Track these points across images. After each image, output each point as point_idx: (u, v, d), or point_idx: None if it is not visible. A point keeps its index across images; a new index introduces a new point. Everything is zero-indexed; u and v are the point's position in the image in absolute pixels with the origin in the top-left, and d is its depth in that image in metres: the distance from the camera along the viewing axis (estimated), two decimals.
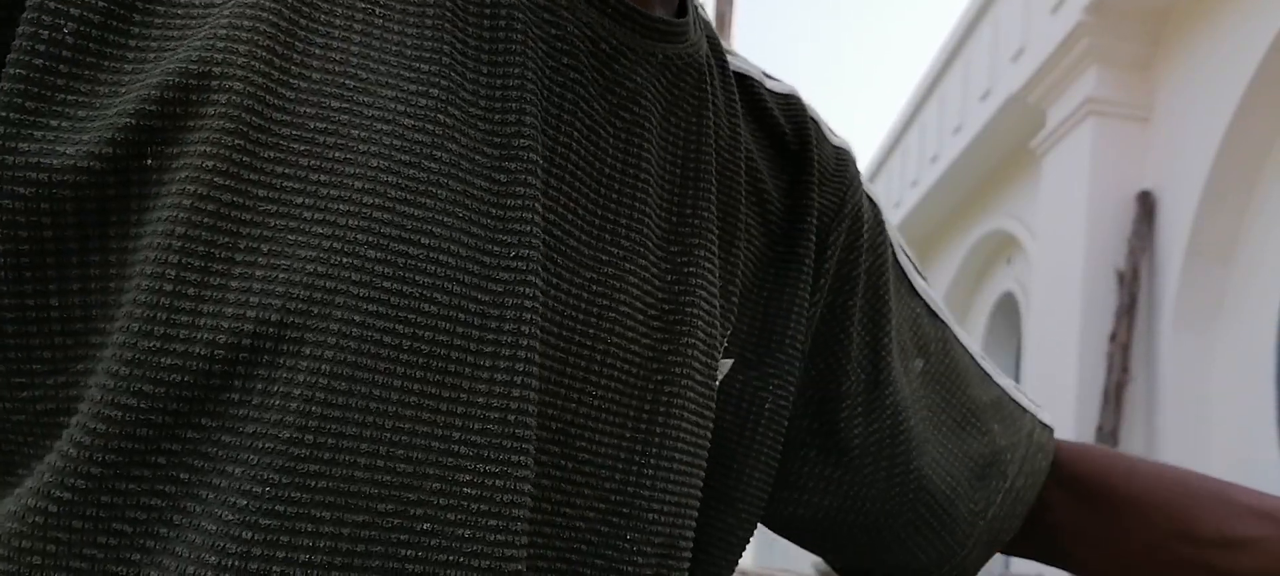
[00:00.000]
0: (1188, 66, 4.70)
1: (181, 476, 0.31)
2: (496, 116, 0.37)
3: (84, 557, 0.31)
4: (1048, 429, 0.57)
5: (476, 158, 0.36)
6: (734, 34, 5.78)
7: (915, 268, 0.57)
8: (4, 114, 0.31)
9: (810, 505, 0.51)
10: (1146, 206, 4.89)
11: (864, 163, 10.48)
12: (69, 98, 0.32)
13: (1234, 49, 4.26)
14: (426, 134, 0.35)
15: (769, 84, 0.51)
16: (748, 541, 0.48)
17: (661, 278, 0.41)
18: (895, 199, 9.30)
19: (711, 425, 0.43)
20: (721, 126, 0.46)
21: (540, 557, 0.38)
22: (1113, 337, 4.82)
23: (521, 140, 0.37)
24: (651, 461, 0.40)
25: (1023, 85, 5.91)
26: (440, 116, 0.35)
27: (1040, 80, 5.68)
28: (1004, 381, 0.58)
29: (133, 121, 0.32)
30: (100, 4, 0.32)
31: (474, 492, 0.34)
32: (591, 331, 0.39)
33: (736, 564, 0.48)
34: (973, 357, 0.57)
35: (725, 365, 0.45)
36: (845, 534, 0.52)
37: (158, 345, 0.31)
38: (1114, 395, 4.74)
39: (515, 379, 0.35)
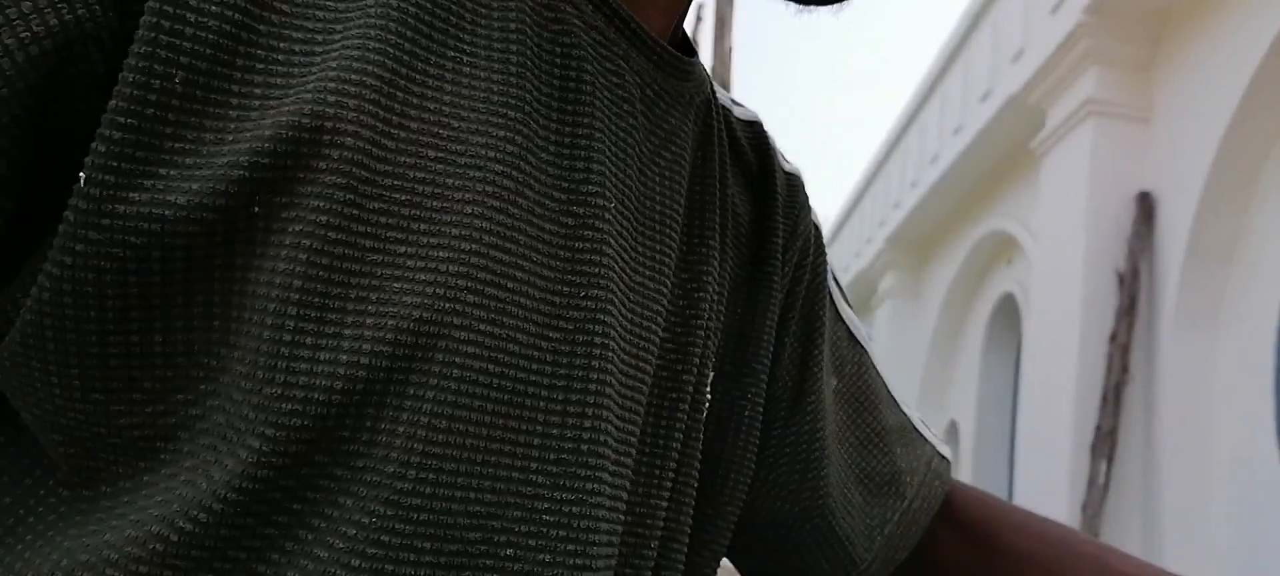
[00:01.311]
0: (1188, 67, 4.71)
1: (294, 507, 0.33)
2: (566, 161, 0.39)
3: None
4: (945, 460, 0.61)
5: (548, 202, 0.38)
6: (734, 34, 5.80)
7: (842, 294, 0.61)
8: (115, 164, 0.31)
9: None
10: (1146, 207, 4.90)
11: (865, 162, 10.46)
12: (176, 145, 0.32)
13: (1234, 50, 4.26)
14: (511, 180, 0.37)
15: (736, 111, 0.54)
16: (726, 547, 0.51)
17: (675, 303, 0.44)
18: (895, 199, 9.31)
19: (702, 435, 0.46)
20: (721, 157, 0.49)
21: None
22: (1112, 338, 4.82)
23: (589, 186, 0.39)
24: (669, 474, 0.43)
25: (1023, 86, 5.91)
26: (522, 163, 0.37)
27: (1040, 81, 5.69)
28: (911, 411, 0.61)
29: (244, 173, 0.32)
30: (207, 51, 0.33)
31: (552, 520, 0.36)
32: (641, 358, 0.41)
33: (716, 569, 0.50)
34: (885, 384, 0.60)
35: (707, 377, 0.48)
36: (755, 535, 0.55)
37: (279, 392, 0.32)
38: (1113, 396, 4.75)
39: (587, 410, 0.37)
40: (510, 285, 0.36)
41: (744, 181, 0.52)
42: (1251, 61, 4.11)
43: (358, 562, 0.33)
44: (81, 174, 0.31)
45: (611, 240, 0.39)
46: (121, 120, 0.31)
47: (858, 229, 11.07)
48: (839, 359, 0.58)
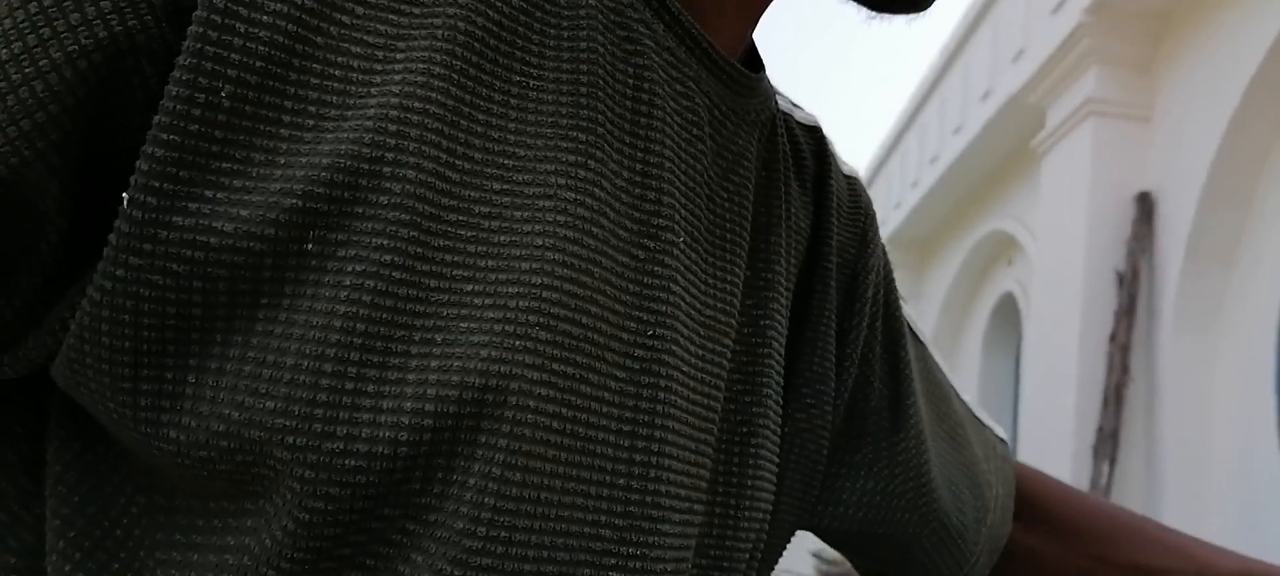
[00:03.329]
0: (1188, 67, 4.70)
1: (368, 562, 0.31)
2: (638, 190, 0.37)
3: None
4: (1004, 442, 0.62)
5: (620, 232, 0.36)
6: None
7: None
8: (158, 184, 0.29)
9: (847, 518, 0.53)
10: (1146, 207, 4.89)
11: (865, 162, 10.43)
12: (223, 165, 0.30)
13: (1234, 50, 4.26)
14: (586, 208, 0.34)
15: (798, 116, 0.52)
16: (780, 554, 0.51)
17: (741, 329, 0.43)
18: (895, 199, 9.30)
19: (770, 498, 0.44)
20: (785, 170, 0.48)
21: None
22: (1113, 338, 4.81)
23: (660, 218, 0.37)
24: (744, 513, 0.42)
25: (1023, 85, 5.90)
26: (596, 189, 0.35)
27: (1040, 80, 5.68)
28: (968, 397, 0.62)
29: (299, 203, 0.30)
30: (257, 64, 0.30)
31: (619, 575, 0.35)
32: (711, 396, 0.39)
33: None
34: (946, 376, 0.60)
35: None
36: (878, 543, 0.54)
37: (341, 447, 0.30)
38: (1114, 396, 4.74)
39: (652, 459, 0.35)
40: (584, 320, 0.33)
41: (803, 189, 0.51)
42: (1252, 61, 4.11)
43: None
44: (124, 194, 0.30)
45: (679, 276, 0.37)
46: (164, 137, 0.29)
47: None
48: (915, 359, 0.57)
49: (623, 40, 0.38)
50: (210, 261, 0.30)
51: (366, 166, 0.31)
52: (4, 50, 0.29)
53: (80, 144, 0.30)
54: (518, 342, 0.32)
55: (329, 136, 0.31)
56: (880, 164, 10.19)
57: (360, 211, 0.31)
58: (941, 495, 0.53)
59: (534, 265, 0.33)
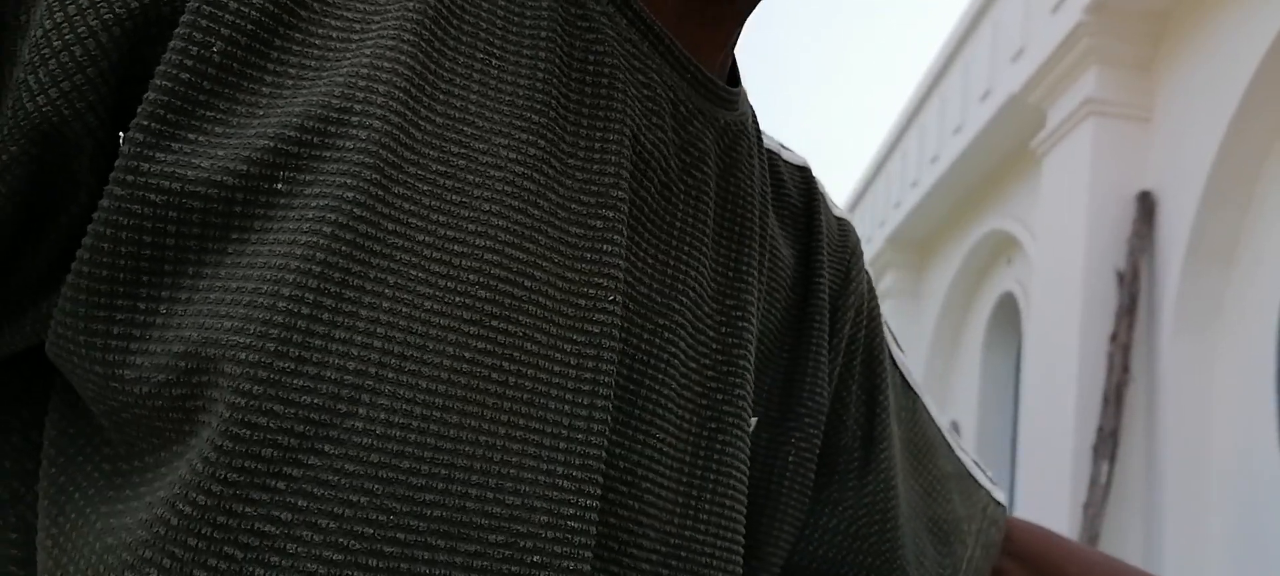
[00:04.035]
0: (1189, 66, 4.70)
1: (299, 503, 0.32)
2: (595, 167, 0.39)
3: None
4: (1001, 506, 0.61)
5: (573, 206, 0.38)
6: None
7: (893, 338, 0.61)
8: (146, 122, 0.32)
9: (810, 555, 0.53)
10: (1147, 206, 4.89)
11: (864, 163, 10.45)
12: (208, 114, 0.33)
13: (1235, 49, 4.26)
14: (533, 183, 0.37)
15: (785, 155, 0.55)
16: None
17: (716, 329, 0.44)
18: (896, 199, 9.30)
19: (747, 480, 0.45)
20: (762, 193, 0.49)
21: None
22: (1113, 338, 4.81)
23: (617, 193, 0.39)
24: (706, 507, 0.42)
25: (1023, 85, 5.90)
26: (546, 166, 0.37)
27: (1040, 80, 5.68)
28: (964, 456, 0.62)
29: (271, 144, 0.33)
30: (248, 27, 0.34)
31: (577, 526, 0.36)
32: (658, 377, 0.41)
33: None
34: (939, 430, 0.60)
35: (752, 422, 0.48)
36: None
37: (292, 366, 0.31)
38: (1114, 396, 4.74)
39: (597, 416, 0.37)
40: (528, 283, 0.36)
41: (790, 225, 0.52)
42: (1252, 61, 4.11)
43: (375, 563, 0.32)
44: (121, 133, 0.33)
45: (624, 249, 0.39)
46: (160, 82, 0.32)
47: (858, 229, 11.02)
48: (898, 407, 0.58)
49: (584, 30, 0.40)
50: (185, 193, 0.32)
51: (335, 116, 0.34)
52: (47, 21, 0.32)
53: (113, 106, 0.33)
54: (458, 298, 0.34)
55: (304, 92, 0.34)
56: (881, 164, 10.18)
57: (328, 155, 0.33)
58: (905, 544, 0.54)
59: (479, 228, 0.35)
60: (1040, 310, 5.77)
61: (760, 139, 0.51)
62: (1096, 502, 4.66)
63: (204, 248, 0.33)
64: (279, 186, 0.33)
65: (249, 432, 0.31)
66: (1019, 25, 6.16)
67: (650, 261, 0.41)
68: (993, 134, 6.75)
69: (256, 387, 0.31)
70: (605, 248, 0.38)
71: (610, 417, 0.38)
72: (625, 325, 0.39)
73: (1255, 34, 4.10)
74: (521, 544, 0.34)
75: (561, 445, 0.35)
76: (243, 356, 0.31)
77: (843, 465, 0.53)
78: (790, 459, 0.49)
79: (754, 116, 0.51)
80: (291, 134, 0.33)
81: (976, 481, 0.61)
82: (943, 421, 0.61)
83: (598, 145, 0.39)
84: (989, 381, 7.97)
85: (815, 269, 0.52)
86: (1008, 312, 7.69)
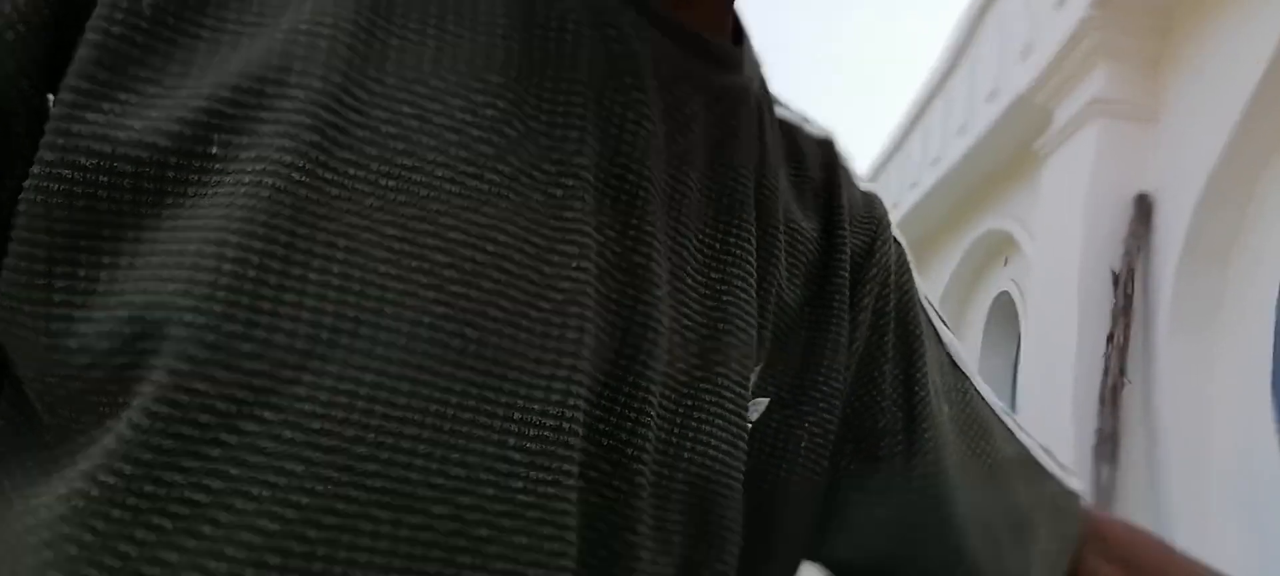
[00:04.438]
0: (1197, 63, 4.68)
1: (232, 471, 0.30)
2: (558, 132, 0.37)
3: (118, 554, 0.30)
4: (1074, 495, 0.57)
5: (536, 173, 0.36)
6: None
7: (940, 316, 0.57)
8: (75, 83, 0.31)
9: (862, 547, 0.51)
10: (1144, 208, 4.88)
11: (865, 164, 10.43)
12: (141, 72, 0.32)
13: (1244, 44, 4.23)
14: (491, 146, 0.36)
15: (807, 128, 0.52)
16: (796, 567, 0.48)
17: (701, 303, 0.42)
18: (893, 200, 9.30)
19: (743, 460, 0.42)
20: (767, 166, 0.47)
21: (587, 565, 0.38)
22: (1110, 339, 4.80)
23: (581, 159, 0.37)
24: (678, 487, 0.40)
25: (1029, 86, 5.88)
26: (505, 129, 0.36)
27: (1047, 80, 5.66)
28: (1027, 440, 0.57)
29: (205, 105, 0.32)
30: None
31: (529, 499, 0.34)
32: (640, 349, 0.39)
33: None
34: (995, 413, 0.56)
35: (760, 404, 0.46)
36: None
37: (240, 331, 0.30)
38: (1111, 397, 4.73)
39: (571, 388, 0.35)
40: (489, 248, 0.34)
41: (810, 200, 0.50)
42: (1262, 58, 4.08)
43: (314, 532, 0.30)
44: (49, 94, 0.32)
45: (592, 219, 0.37)
46: (90, 37, 0.31)
47: None
48: (946, 386, 0.54)
49: None
50: (116, 156, 0.31)
51: (273, 76, 0.32)
52: None
53: (46, 69, 0.32)
54: (413, 262, 0.33)
55: (242, 50, 0.33)
56: (883, 164, 10.20)
57: (264, 117, 0.32)
58: (971, 533, 0.50)
59: (433, 192, 0.34)
60: (1037, 310, 5.76)
61: (771, 108, 0.49)
62: (1099, 505, 4.65)
63: (139, 212, 0.31)
64: (214, 149, 0.32)
65: (187, 398, 0.30)
66: (1024, 22, 6.14)
67: (627, 227, 0.39)
68: (997, 134, 6.74)
69: (202, 352, 0.30)
70: (568, 214, 0.37)
71: (586, 389, 0.36)
72: (603, 294, 0.38)
73: (1266, 31, 4.07)
74: (467, 517, 0.33)
75: (516, 415, 0.34)
76: (189, 319, 0.30)
77: (886, 450, 0.50)
78: (803, 444, 0.47)
79: (763, 82, 0.48)
80: (226, 95, 0.32)
81: (1044, 468, 0.57)
82: (999, 405, 0.57)
83: (561, 107, 0.38)
84: (986, 381, 7.93)
85: (837, 244, 0.49)
86: (1005, 313, 7.68)
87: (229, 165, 0.32)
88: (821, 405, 0.47)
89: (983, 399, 0.56)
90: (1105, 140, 5.06)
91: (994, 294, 7.75)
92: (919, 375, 0.51)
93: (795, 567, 0.48)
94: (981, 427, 0.54)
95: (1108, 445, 4.69)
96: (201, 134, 0.32)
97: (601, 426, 0.37)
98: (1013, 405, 7.47)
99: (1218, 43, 4.49)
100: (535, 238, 0.36)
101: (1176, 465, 4.45)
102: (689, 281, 0.41)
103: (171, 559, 0.30)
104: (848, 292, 0.49)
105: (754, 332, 0.43)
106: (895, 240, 0.54)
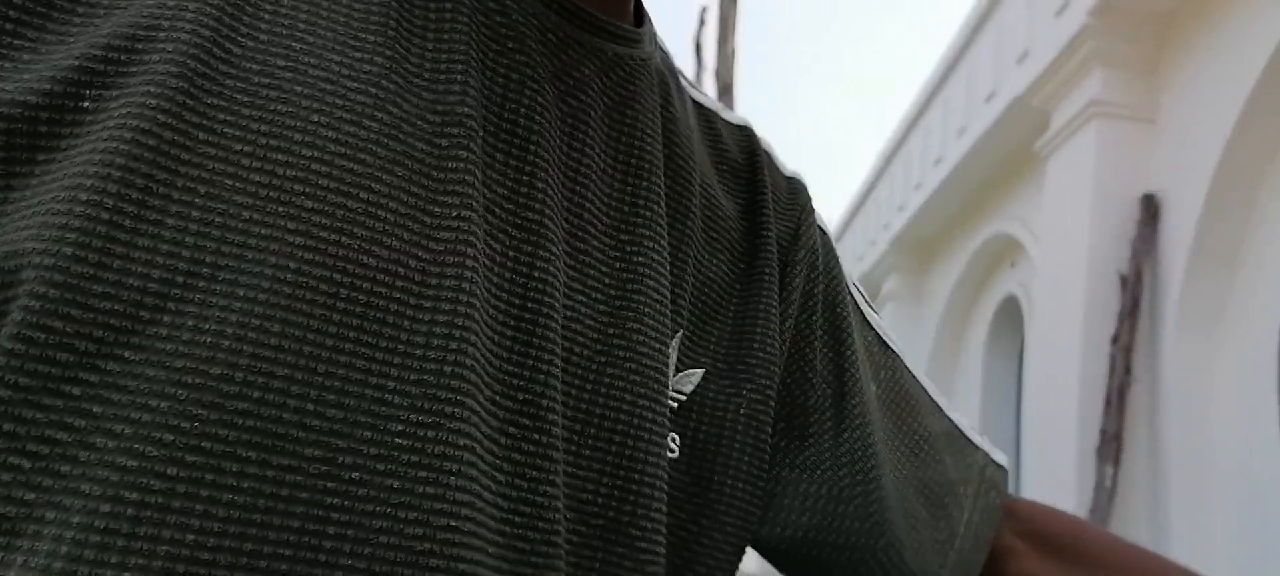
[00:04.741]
0: (1193, 68, 4.69)
1: (95, 409, 0.30)
2: (441, 87, 0.38)
3: None
4: (1001, 468, 0.58)
5: (418, 123, 0.37)
6: (738, 36, 5.79)
7: (866, 299, 0.58)
8: None
9: (791, 525, 0.51)
10: (1150, 209, 4.88)
11: (867, 165, 10.38)
12: (16, 43, 0.33)
13: (1240, 51, 4.25)
14: (369, 96, 0.36)
15: (724, 115, 0.54)
16: (739, 560, 0.48)
17: (609, 263, 0.42)
18: (899, 202, 9.29)
19: (664, 419, 0.43)
20: (676, 136, 0.48)
21: (507, 522, 0.37)
22: (1115, 340, 4.81)
23: (464, 109, 0.38)
24: (589, 443, 0.40)
25: (1027, 88, 5.90)
26: (384, 82, 0.37)
27: (1045, 83, 5.67)
28: (956, 416, 0.58)
29: (76, 64, 0.33)
30: None
31: (405, 443, 0.34)
32: (541, 304, 0.39)
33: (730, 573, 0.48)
34: (925, 390, 0.58)
35: (695, 376, 0.46)
36: (828, 557, 0.52)
37: (91, 272, 0.31)
38: (1117, 398, 4.73)
39: (454, 332, 0.35)
40: (363, 196, 0.35)
41: (731, 179, 0.52)
42: (1258, 63, 4.10)
43: (175, 471, 0.30)
44: None
45: (478, 167, 0.38)
46: None
47: (861, 231, 11.06)
48: (873, 365, 0.56)
49: None
50: None
51: (143, 33, 0.33)
52: None
53: None
54: (281, 208, 0.33)
55: (116, 16, 0.34)
56: (884, 166, 10.17)
57: (134, 70, 0.33)
58: (894, 506, 0.51)
59: (307, 139, 0.34)
60: (1043, 313, 5.76)
61: (680, 87, 0.50)
62: (1101, 506, 4.65)
63: (11, 170, 0.32)
64: (86, 104, 0.33)
65: (43, 337, 0.30)
66: (1023, 28, 6.15)
67: (518, 182, 0.40)
68: (997, 136, 6.74)
69: (52, 291, 0.30)
70: (452, 164, 0.37)
71: (479, 337, 0.36)
72: (496, 249, 0.38)
73: (1261, 36, 4.10)
74: (340, 460, 0.32)
75: (396, 361, 0.34)
76: (39, 261, 0.30)
77: (815, 427, 0.51)
78: (742, 412, 0.47)
79: (665, 58, 0.49)
80: (97, 53, 0.33)
81: (971, 441, 0.58)
82: (929, 384, 0.58)
83: (443, 64, 0.38)
84: (992, 385, 7.96)
85: (762, 223, 0.51)
86: (1010, 315, 7.68)
87: (99, 116, 0.32)
88: (759, 372, 0.48)
89: (913, 376, 0.57)
90: (1105, 141, 5.06)
91: (1000, 297, 7.74)
92: (848, 353, 0.53)
93: (741, 547, 0.48)
94: (910, 404, 0.56)
95: (1111, 446, 4.69)
96: (73, 90, 0.32)
97: (516, 382, 0.38)
98: (1018, 407, 7.46)
99: (1214, 49, 4.50)
100: (416, 186, 0.36)
101: (1179, 466, 4.45)
102: (594, 241, 0.42)
103: (29, 498, 0.30)
104: (777, 272, 0.50)
105: (668, 293, 0.44)
106: (820, 228, 0.56)
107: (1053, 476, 5.09)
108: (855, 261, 11.12)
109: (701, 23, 7.07)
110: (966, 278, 8.25)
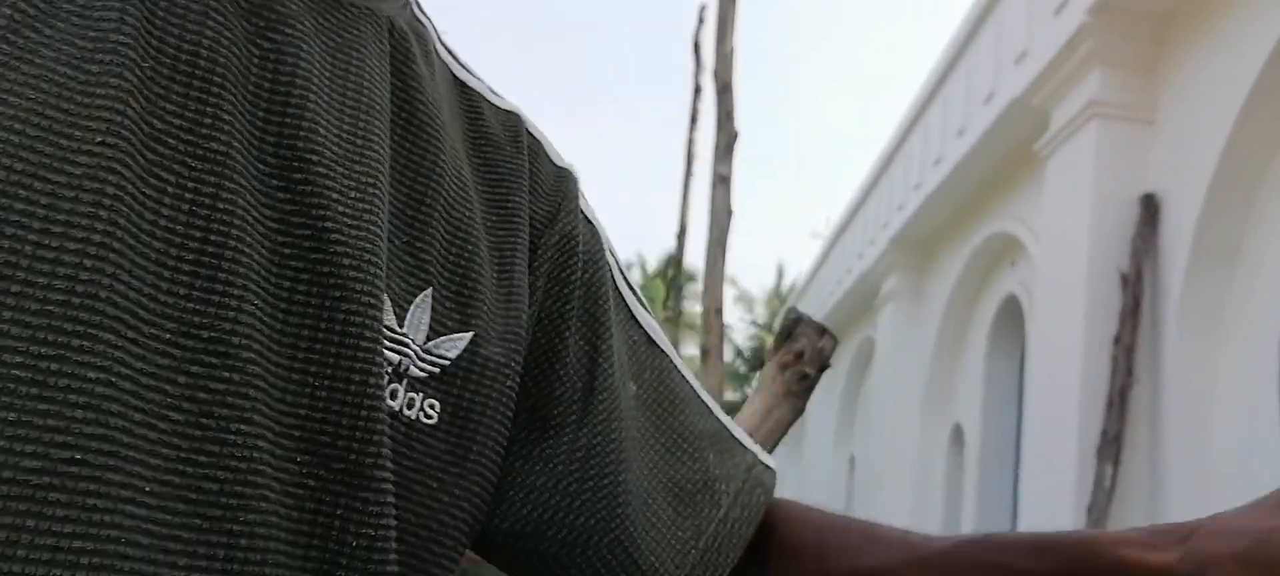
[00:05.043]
0: (1192, 68, 4.70)
1: None
2: (96, 14, 0.37)
3: None
4: (769, 470, 0.57)
5: (64, 47, 0.36)
6: (736, 34, 5.77)
7: (638, 298, 0.57)
8: None
9: (510, 516, 0.49)
10: (1151, 209, 4.89)
11: (867, 166, 10.40)
12: None
13: (1239, 50, 4.25)
14: (4, 17, 0.36)
15: (491, 99, 0.53)
16: (469, 543, 0.47)
17: (344, 194, 0.41)
18: (898, 202, 9.30)
19: (377, 361, 0.41)
20: (417, 94, 0.47)
21: (187, 463, 0.36)
22: (1117, 340, 4.81)
23: (119, 37, 0.37)
24: (325, 385, 0.39)
25: (1026, 88, 5.90)
26: (23, 5, 0.36)
27: (1044, 83, 5.68)
28: (725, 419, 0.57)
29: None
30: None
31: (25, 376, 0.33)
32: (227, 236, 0.38)
33: (464, 549, 0.47)
34: (694, 390, 0.56)
35: (459, 340, 0.46)
36: (539, 556, 0.50)
37: None
38: (1118, 398, 4.73)
39: (85, 261, 0.34)
40: None
41: (489, 158, 0.51)
42: (1257, 62, 4.10)
43: None
44: None
45: (136, 94, 0.37)
46: None
47: (861, 231, 11.07)
48: (637, 363, 0.54)
49: None
50: None
51: None
52: None
53: None
54: None
55: None
56: (884, 166, 10.19)
57: None
58: (631, 505, 0.50)
59: None
60: (1044, 312, 5.76)
61: (427, 50, 0.49)
62: (1100, 505, 4.66)
63: None
64: None
65: None
66: (1022, 27, 6.16)
67: (201, 118, 0.38)
68: (996, 136, 6.75)
69: None
70: (98, 91, 0.36)
71: (130, 270, 0.35)
72: (166, 181, 0.37)
73: (1260, 35, 4.10)
74: None
75: (14, 288, 0.33)
76: None
77: (557, 418, 0.50)
78: (508, 384, 0.47)
79: (417, 23, 0.49)
80: None
81: (740, 443, 0.56)
82: (699, 386, 0.57)
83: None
84: (993, 384, 7.96)
85: (517, 203, 0.50)
86: (1011, 315, 7.68)
87: None
88: (513, 346, 0.47)
89: (682, 377, 0.56)
90: (1105, 141, 5.07)
91: (1001, 296, 7.75)
92: (604, 348, 0.51)
93: (476, 529, 0.47)
94: (674, 402, 0.55)
95: (1111, 446, 4.70)
96: None
97: (198, 319, 0.37)
98: (1019, 407, 7.46)
99: (1213, 48, 4.51)
100: (52, 110, 0.35)
101: (1180, 465, 4.46)
102: (318, 170, 0.41)
103: None
104: (527, 251, 0.50)
105: (382, 235, 0.43)
106: (588, 221, 0.55)
107: (1053, 476, 5.09)
108: (855, 260, 11.13)
109: (700, 22, 7.07)
110: (967, 277, 8.26)
